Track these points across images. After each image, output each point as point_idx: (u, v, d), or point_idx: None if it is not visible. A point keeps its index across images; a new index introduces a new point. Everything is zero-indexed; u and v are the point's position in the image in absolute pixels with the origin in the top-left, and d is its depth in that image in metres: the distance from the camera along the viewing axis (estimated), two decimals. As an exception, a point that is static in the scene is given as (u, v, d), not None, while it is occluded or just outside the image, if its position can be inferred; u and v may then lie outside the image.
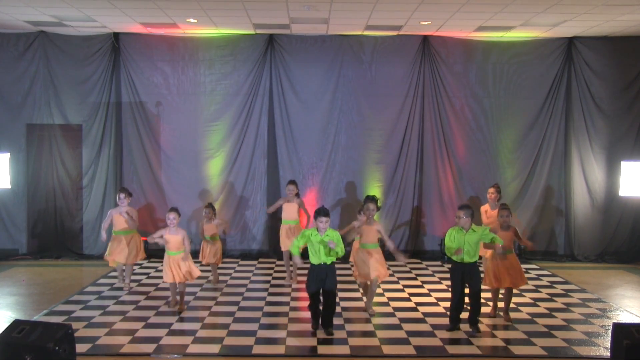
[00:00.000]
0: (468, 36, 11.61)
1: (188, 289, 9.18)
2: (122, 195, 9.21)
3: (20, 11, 9.88)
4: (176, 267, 7.97)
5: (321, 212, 7.06)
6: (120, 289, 9.23)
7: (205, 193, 11.72)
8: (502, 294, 7.86)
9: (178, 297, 8.20)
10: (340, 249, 7.02)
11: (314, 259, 7.07)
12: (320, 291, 7.12)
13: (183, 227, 11.08)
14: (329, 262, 7.03)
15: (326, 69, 11.71)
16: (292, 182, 9.88)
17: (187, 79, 11.70)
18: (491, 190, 9.60)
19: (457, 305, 7.20)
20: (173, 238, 8.01)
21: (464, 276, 7.10)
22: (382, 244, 8.02)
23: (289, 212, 9.72)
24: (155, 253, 11.06)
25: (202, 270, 10.42)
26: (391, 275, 10.28)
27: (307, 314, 7.97)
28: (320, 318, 7.15)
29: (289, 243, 9.37)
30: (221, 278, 9.99)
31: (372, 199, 7.92)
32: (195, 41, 11.62)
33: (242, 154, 11.76)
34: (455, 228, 7.19)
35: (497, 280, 7.59)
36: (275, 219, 11.72)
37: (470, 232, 7.08)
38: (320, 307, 7.19)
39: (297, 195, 9.83)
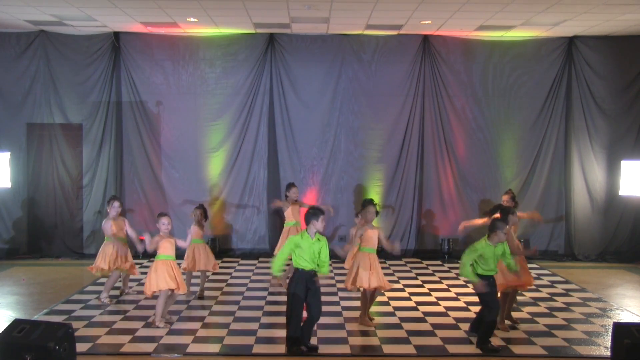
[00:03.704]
0: (468, 35, 11.60)
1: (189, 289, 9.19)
2: (117, 204, 8.59)
3: (20, 10, 9.87)
4: (172, 272, 7.35)
5: (319, 211, 6.60)
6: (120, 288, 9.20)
7: (206, 192, 11.72)
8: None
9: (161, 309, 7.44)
10: (325, 269, 6.64)
11: (305, 264, 6.45)
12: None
13: (186, 227, 11.11)
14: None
15: (326, 69, 11.71)
16: (294, 184, 9.84)
17: (187, 78, 11.70)
18: (505, 197, 8.89)
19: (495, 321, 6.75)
20: (168, 243, 7.47)
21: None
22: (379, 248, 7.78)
23: (295, 214, 9.59)
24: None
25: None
26: (391, 274, 10.29)
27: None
28: (301, 330, 6.54)
29: None
30: (221, 277, 9.98)
31: (372, 202, 7.59)
32: (195, 40, 11.62)
33: (242, 153, 11.76)
34: (484, 242, 6.60)
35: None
36: (275, 219, 11.73)
37: (499, 245, 6.66)
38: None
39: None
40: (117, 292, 8.90)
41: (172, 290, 7.34)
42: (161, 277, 7.28)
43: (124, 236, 8.68)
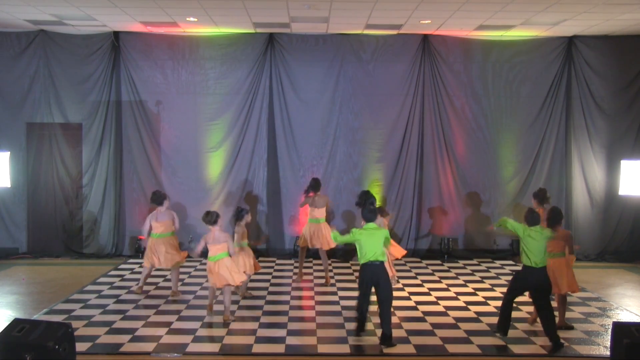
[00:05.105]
0: (468, 35, 11.60)
1: (188, 287, 9.20)
2: (167, 202, 9.04)
3: (20, 10, 9.87)
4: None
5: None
6: (121, 287, 9.19)
7: (206, 192, 11.71)
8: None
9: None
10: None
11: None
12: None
13: (184, 226, 11.10)
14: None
15: (326, 68, 11.70)
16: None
17: (187, 77, 11.69)
18: (534, 202, 8.71)
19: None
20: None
21: None
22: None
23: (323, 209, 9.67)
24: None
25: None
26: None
27: (307, 313, 8.02)
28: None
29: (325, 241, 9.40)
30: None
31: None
32: (195, 40, 11.62)
33: (242, 152, 11.75)
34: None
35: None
36: (275, 218, 11.73)
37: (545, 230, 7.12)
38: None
39: None
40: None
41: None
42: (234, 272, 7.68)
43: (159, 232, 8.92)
